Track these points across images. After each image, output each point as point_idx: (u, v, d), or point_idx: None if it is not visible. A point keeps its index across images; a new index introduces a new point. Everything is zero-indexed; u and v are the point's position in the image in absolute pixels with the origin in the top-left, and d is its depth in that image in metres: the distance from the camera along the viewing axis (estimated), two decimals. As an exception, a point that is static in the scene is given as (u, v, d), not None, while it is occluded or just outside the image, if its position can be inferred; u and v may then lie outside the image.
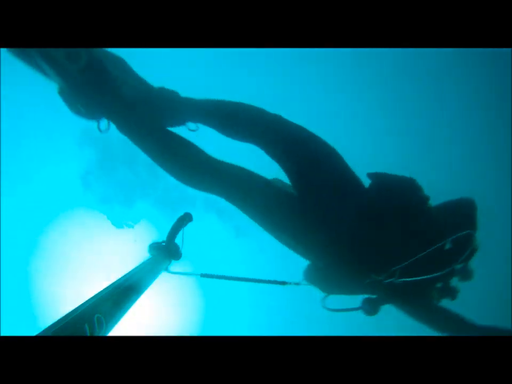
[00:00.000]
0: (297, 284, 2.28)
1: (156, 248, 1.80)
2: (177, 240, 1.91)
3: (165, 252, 1.80)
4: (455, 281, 1.86)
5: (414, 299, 1.99)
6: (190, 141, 2.02)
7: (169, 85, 2.09)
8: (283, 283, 2.24)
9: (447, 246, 1.72)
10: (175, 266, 1.93)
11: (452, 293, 1.86)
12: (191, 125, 2.08)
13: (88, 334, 0.86)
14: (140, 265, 1.53)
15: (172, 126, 2.05)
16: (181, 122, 2.06)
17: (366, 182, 1.96)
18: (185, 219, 1.89)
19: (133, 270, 1.42)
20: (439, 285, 1.86)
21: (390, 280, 1.77)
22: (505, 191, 9.26)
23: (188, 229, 1.95)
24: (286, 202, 1.98)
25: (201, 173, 1.98)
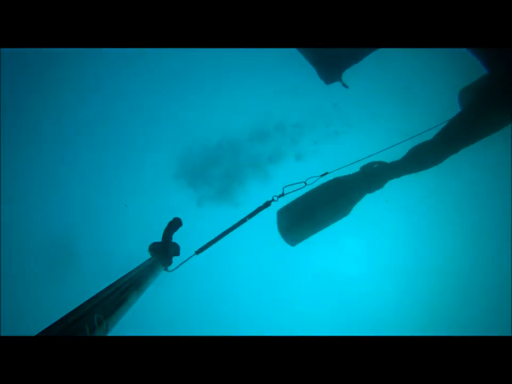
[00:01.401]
0: (281, 195, 2.36)
1: (155, 248, 1.83)
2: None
3: (163, 253, 1.82)
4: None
5: None
6: None
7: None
8: (267, 204, 2.30)
9: None
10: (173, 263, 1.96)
11: None
12: None
13: (88, 334, 0.86)
14: (140, 265, 1.53)
15: None
16: None
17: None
18: (174, 223, 1.93)
19: (133, 271, 1.42)
20: None
21: None
22: (506, 189, 9.24)
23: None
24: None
25: None
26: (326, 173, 2.51)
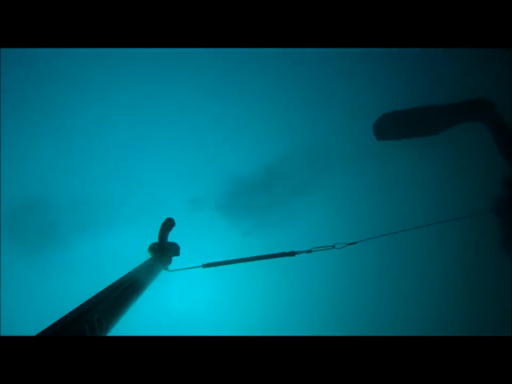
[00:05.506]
0: (308, 251, 2.25)
1: (154, 248, 1.83)
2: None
3: (161, 253, 1.82)
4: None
5: None
6: None
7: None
8: (292, 254, 2.20)
9: None
10: (174, 264, 1.96)
11: None
12: None
13: (88, 334, 0.86)
14: (140, 265, 1.54)
15: None
16: None
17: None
18: (167, 223, 1.92)
19: (133, 271, 1.42)
20: None
21: None
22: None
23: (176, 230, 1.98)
24: None
25: None
26: (355, 242, 2.45)
